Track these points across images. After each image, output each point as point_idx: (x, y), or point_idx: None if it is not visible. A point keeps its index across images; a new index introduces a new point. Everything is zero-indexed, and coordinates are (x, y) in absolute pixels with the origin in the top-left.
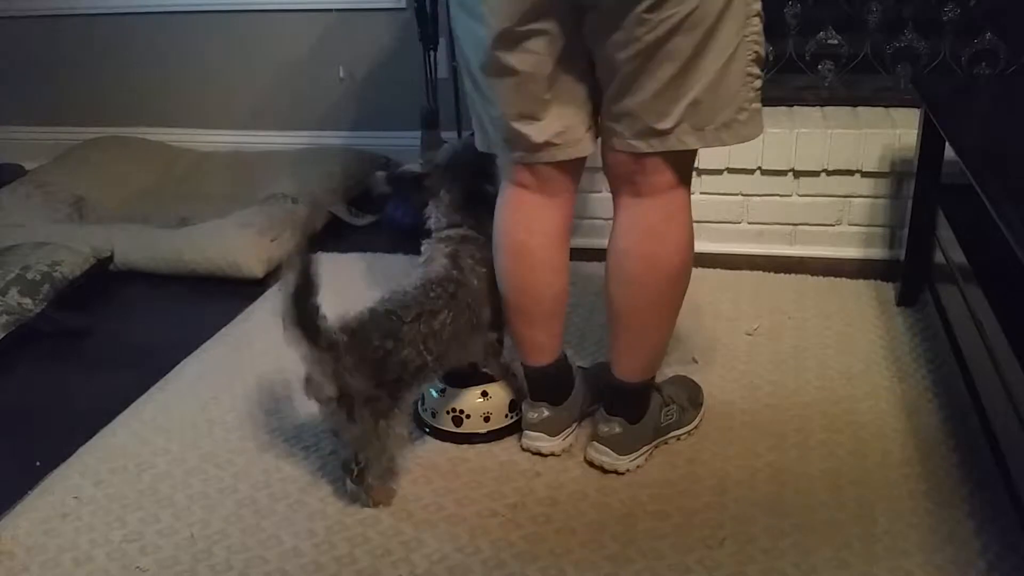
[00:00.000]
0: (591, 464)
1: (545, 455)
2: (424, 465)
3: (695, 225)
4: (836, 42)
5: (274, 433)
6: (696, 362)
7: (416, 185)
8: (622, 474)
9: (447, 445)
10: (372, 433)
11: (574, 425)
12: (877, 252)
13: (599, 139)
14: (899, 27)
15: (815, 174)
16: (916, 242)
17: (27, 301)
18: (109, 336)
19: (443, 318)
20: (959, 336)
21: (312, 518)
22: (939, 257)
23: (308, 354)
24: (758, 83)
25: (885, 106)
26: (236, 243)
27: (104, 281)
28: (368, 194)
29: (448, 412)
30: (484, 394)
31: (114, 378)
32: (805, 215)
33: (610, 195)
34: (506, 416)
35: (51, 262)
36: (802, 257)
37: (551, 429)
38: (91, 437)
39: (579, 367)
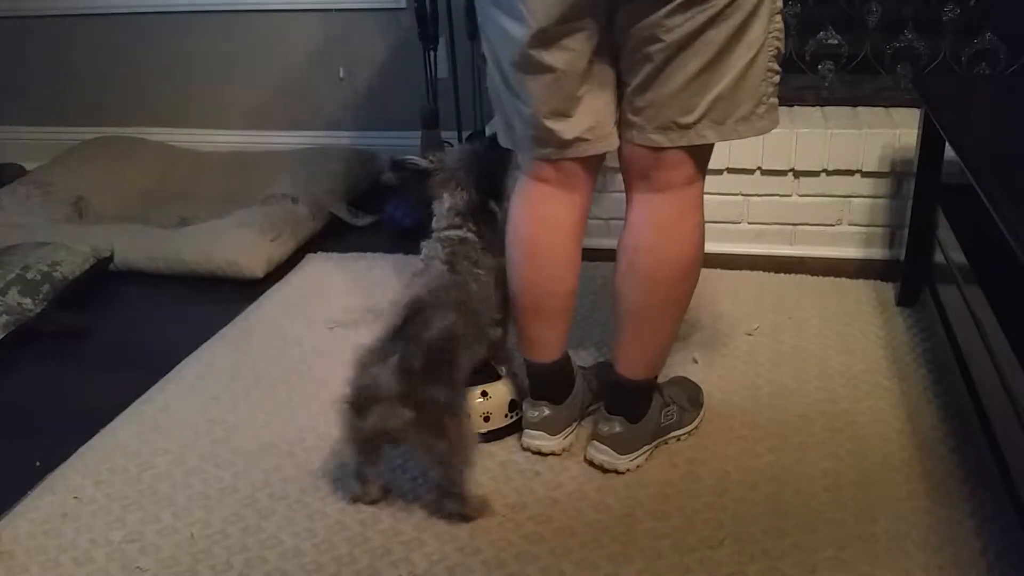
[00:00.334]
0: (591, 463)
1: (545, 454)
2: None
3: None
4: (836, 42)
5: (274, 433)
6: (696, 362)
7: (419, 179)
8: (621, 474)
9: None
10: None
11: (574, 424)
12: (877, 252)
13: None
14: (899, 27)
15: (815, 174)
16: (916, 242)
17: (27, 301)
18: (109, 336)
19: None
20: (959, 336)
21: (312, 518)
22: (939, 257)
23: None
24: (776, 78)
25: (885, 106)
26: (236, 243)
27: (104, 281)
28: (368, 194)
29: None
30: (484, 394)
31: (114, 378)
32: (805, 215)
33: (611, 195)
34: (506, 416)
35: (51, 262)
36: (802, 257)
37: (552, 428)
38: (91, 437)
39: (580, 367)
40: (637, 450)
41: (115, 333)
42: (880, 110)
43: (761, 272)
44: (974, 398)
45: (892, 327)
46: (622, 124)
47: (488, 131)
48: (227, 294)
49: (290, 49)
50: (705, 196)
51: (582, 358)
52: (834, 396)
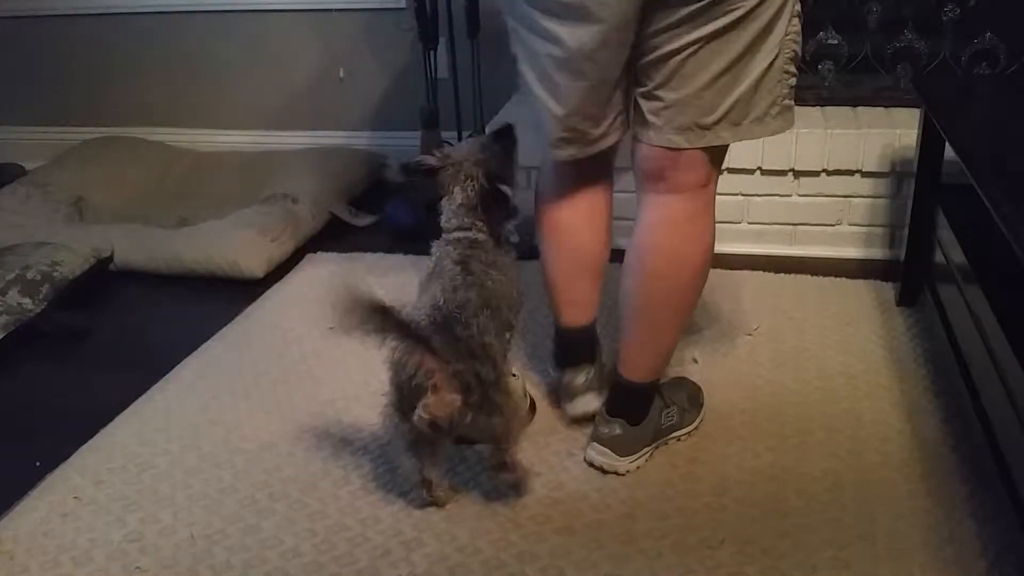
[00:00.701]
0: (591, 465)
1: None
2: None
3: None
4: (836, 42)
5: (274, 433)
6: (696, 362)
7: (428, 178)
8: (622, 475)
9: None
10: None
11: (646, 449)
12: (877, 252)
13: (629, 132)
14: (899, 27)
15: (815, 174)
16: (916, 242)
17: (27, 301)
18: (109, 336)
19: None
20: (959, 336)
21: (312, 518)
22: (939, 257)
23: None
24: (793, 80)
25: (885, 106)
26: (236, 243)
27: (104, 281)
28: (368, 194)
29: None
30: None
31: (114, 378)
32: (805, 215)
33: (617, 195)
34: None
35: (51, 262)
36: (802, 257)
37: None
38: (91, 437)
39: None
40: (637, 452)
41: (115, 333)
42: (880, 110)
43: (761, 272)
44: (974, 398)
45: (892, 327)
46: (639, 124)
47: (488, 128)
48: (227, 294)
49: (290, 49)
50: None
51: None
52: (834, 396)
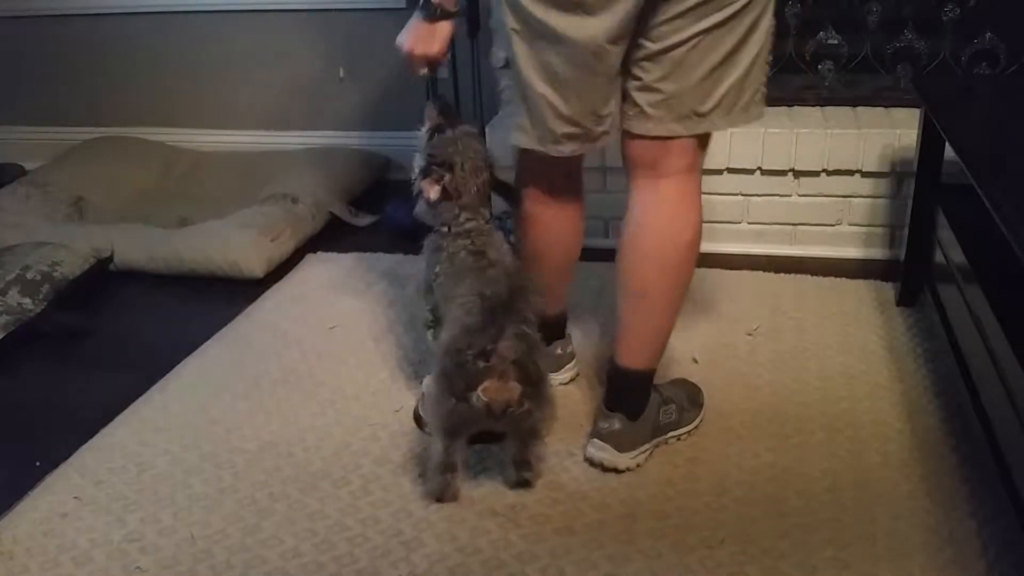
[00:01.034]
0: (590, 462)
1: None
2: (424, 465)
3: None
4: (836, 42)
5: (274, 433)
6: (696, 362)
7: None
8: (621, 472)
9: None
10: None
11: (647, 445)
12: (877, 252)
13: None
14: (899, 27)
15: (815, 174)
16: (916, 242)
17: (27, 301)
18: (109, 336)
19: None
20: (959, 336)
21: (312, 518)
22: (939, 257)
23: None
24: (767, 71)
25: (885, 106)
26: (236, 243)
27: (104, 281)
28: (368, 194)
29: None
30: None
31: (114, 378)
32: (805, 215)
33: (611, 195)
34: None
35: (51, 262)
36: (802, 257)
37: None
38: (91, 437)
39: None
40: (637, 448)
41: (115, 333)
42: (880, 110)
43: (761, 272)
44: (974, 398)
45: (892, 327)
46: (634, 118)
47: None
48: (227, 294)
49: (290, 49)
50: (705, 196)
51: (584, 355)
52: (834, 396)
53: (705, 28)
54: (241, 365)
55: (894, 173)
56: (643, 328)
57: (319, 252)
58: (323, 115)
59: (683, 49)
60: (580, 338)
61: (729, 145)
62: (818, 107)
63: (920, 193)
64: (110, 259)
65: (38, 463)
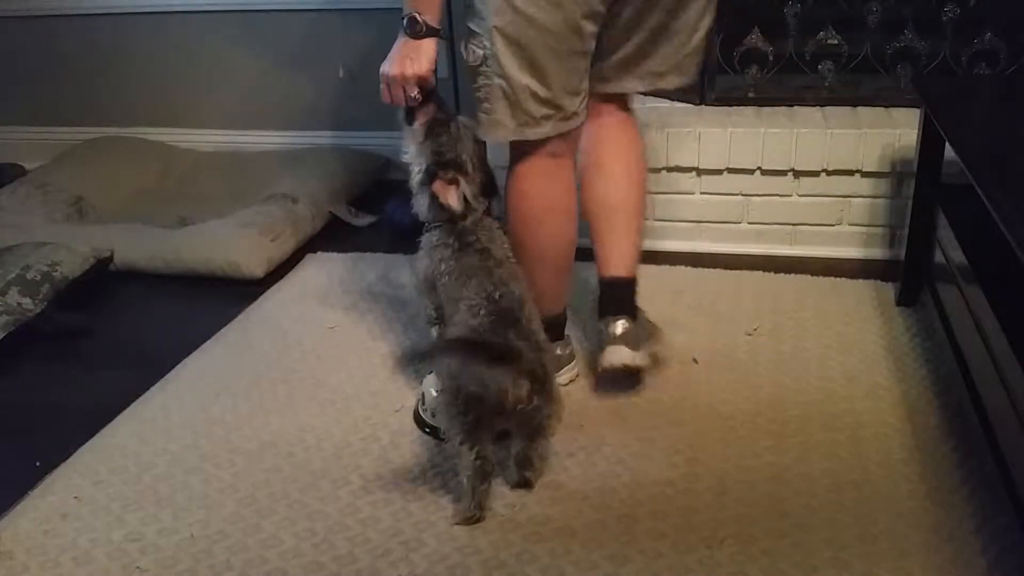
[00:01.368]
0: (608, 369)
1: (632, 368)
2: (424, 465)
3: (695, 224)
4: (836, 42)
5: (274, 433)
6: (696, 362)
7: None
8: (638, 371)
9: (446, 445)
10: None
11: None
12: (877, 252)
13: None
14: (899, 27)
15: (815, 174)
16: (916, 242)
17: (27, 301)
18: (109, 336)
19: None
20: (959, 336)
21: (312, 518)
22: (939, 257)
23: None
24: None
25: (885, 106)
26: (236, 243)
27: (104, 281)
28: (368, 194)
29: None
30: None
31: (114, 378)
32: (805, 215)
33: None
34: None
35: (51, 262)
36: (802, 257)
37: (633, 343)
38: (91, 437)
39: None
40: (642, 346)
41: (115, 333)
42: (880, 110)
43: (761, 272)
44: (974, 398)
45: (892, 327)
46: (600, 80)
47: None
48: (227, 294)
49: (290, 49)
50: (705, 196)
51: (584, 356)
52: (834, 396)
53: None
54: (241, 365)
55: (894, 173)
56: (629, 237)
57: (319, 252)
58: (323, 115)
59: (652, 22)
60: (580, 338)
61: (729, 145)
62: (818, 107)
63: (920, 193)
64: (110, 259)
65: (38, 463)
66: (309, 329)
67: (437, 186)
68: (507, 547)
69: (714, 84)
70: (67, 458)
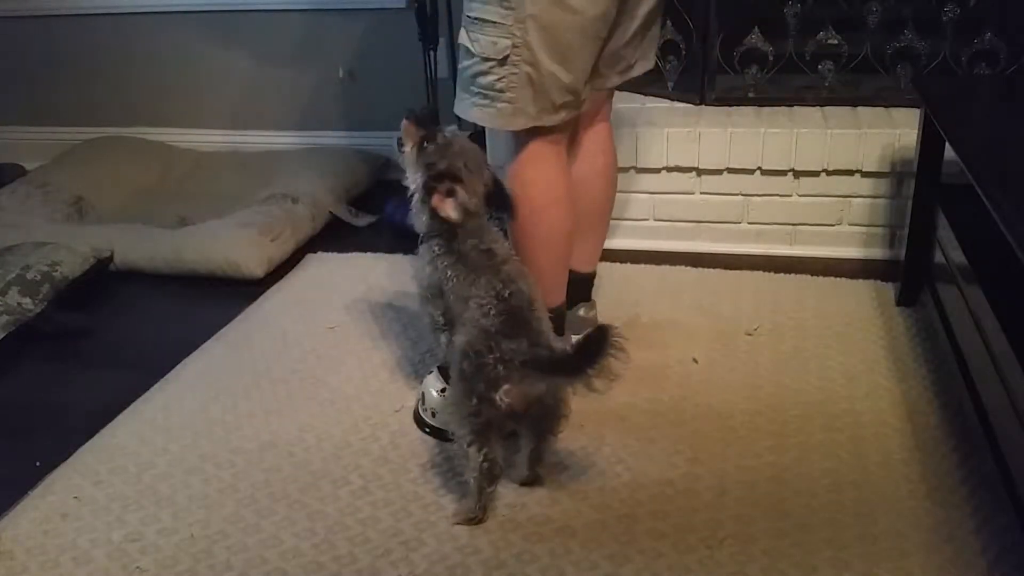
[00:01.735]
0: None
1: None
2: (424, 465)
3: (695, 224)
4: (836, 42)
5: (274, 433)
6: (696, 362)
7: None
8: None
9: (446, 445)
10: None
11: None
12: (877, 252)
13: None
14: (899, 27)
15: (815, 174)
16: (916, 242)
17: (27, 301)
18: (109, 336)
19: None
20: (959, 336)
21: (312, 518)
22: (939, 257)
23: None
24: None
25: (885, 106)
26: (236, 243)
27: (104, 281)
28: (368, 194)
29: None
30: None
31: (114, 378)
32: (805, 215)
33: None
34: None
35: (51, 262)
36: (802, 257)
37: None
38: (91, 437)
39: None
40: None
41: (115, 333)
42: (880, 110)
43: (761, 272)
44: (974, 398)
45: (892, 327)
46: (594, 76)
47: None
48: (227, 294)
49: (290, 49)
50: (705, 196)
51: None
52: (834, 396)
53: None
54: (241, 365)
55: (894, 173)
56: (603, 236)
57: (319, 252)
58: (323, 115)
59: (641, 15)
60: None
61: (729, 145)
62: (818, 107)
63: (920, 193)
64: (110, 259)
65: (38, 463)
66: (309, 329)
67: (435, 200)
68: (507, 547)
69: (714, 84)
70: (67, 458)
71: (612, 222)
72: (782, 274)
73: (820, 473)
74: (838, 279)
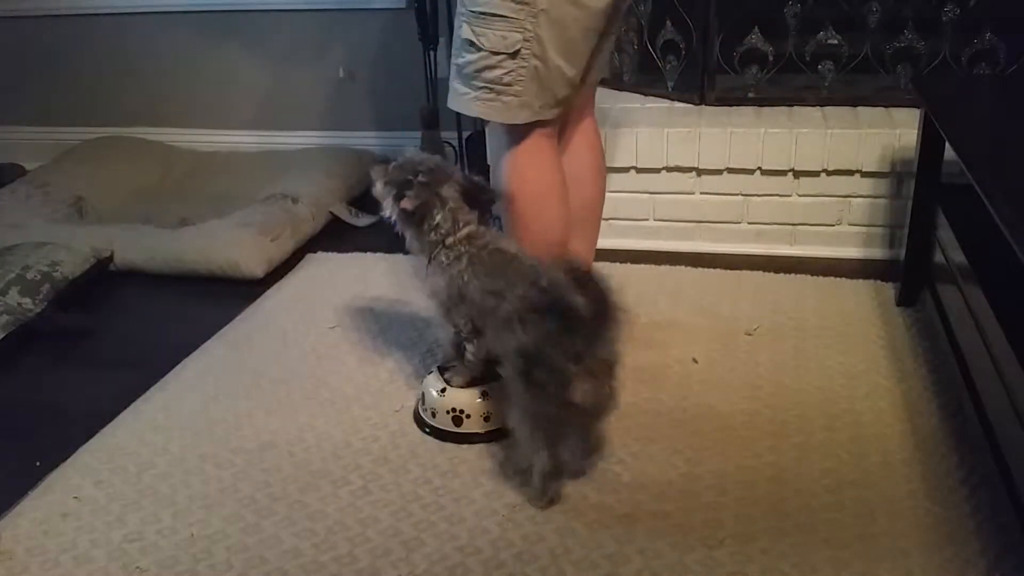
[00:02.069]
0: None
1: None
2: (424, 465)
3: (695, 224)
4: (836, 42)
5: (274, 433)
6: (696, 362)
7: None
8: None
9: (447, 445)
10: None
11: None
12: (877, 252)
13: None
14: (899, 27)
15: (815, 174)
16: (916, 242)
17: (27, 301)
18: (109, 336)
19: None
20: (959, 336)
21: (312, 518)
22: (939, 257)
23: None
24: None
25: (885, 106)
26: (236, 243)
27: (104, 281)
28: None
29: (448, 412)
30: (484, 394)
31: (114, 378)
32: (805, 215)
33: (612, 195)
34: None
35: (51, 262)
36: (802, 257)
37: None
38: (91, 437)
39: None
40: None
41: (115, 333)
42: (880, 110)
43: (761, 272)
44: (974, 398)
45: (892, 327)
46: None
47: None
48: (227, 294)
49: (290, 49)
50: (705, 196)
51: None
52: (834, 396)
53: None
54: (241, 365)
55: (894, 173)
56: (596, 236)
57: (319, 252)
58: (323, 115)
59: (623, 9)
60: None
61: (729, 145)
62: (818, 107)
63: (920, 193)
64: (110, 259)
65: (38, 463)
66: (309, 329)
67: (394, 208)
68: (507, 547)
69: (714, 84)
70: (67, 458)
71: (612, 222)
72: (782, 274)
73: (820, 473)
74: (838, 279)
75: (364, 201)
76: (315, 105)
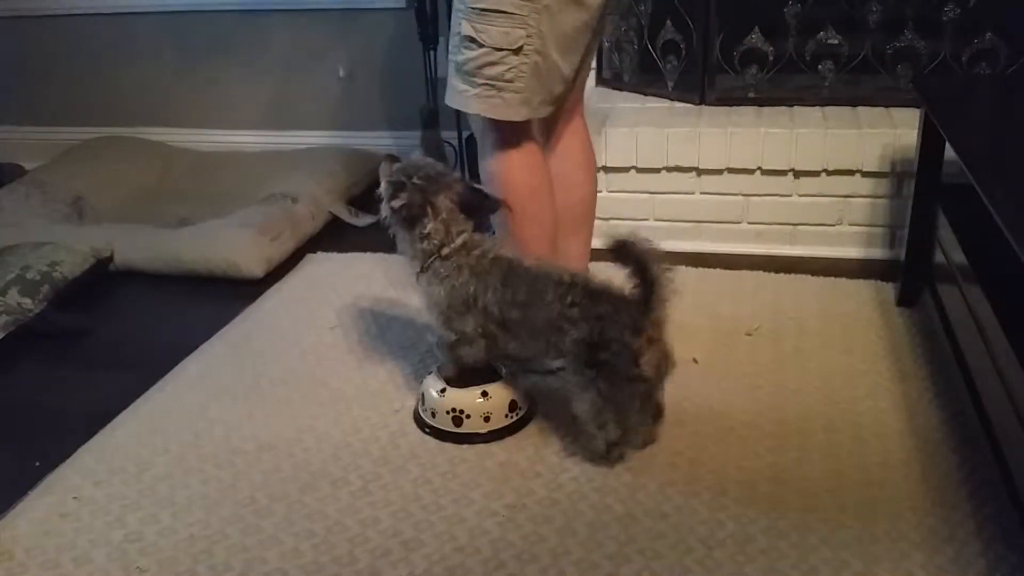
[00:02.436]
0: None
1: None
2: (424, 465)
3: (695, 224)
4: (836, 42)
5: (274, 433)
6: (696, 362)
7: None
8: None
9: (447, 445)
10: None
11: None
12: (877, 252)
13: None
14: (899, 27)
15: (815, 174)
16: (916, 242)
17: (27, 301)
18: (109, 336)
19: None
20: (959, 336)
21: (312, 518)
22: (939, 257)
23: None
24: None
25: (885, 106)
26: (236, 243)
27: (104, 281)
28: (368, 194)
29: (448, 412)
30: (484, 394)
31: (114, 378)
32: (805, 215)
33: (610, 195)
34: (506, 416)
35: (51, 262)
36: (802, 257)
37: None
38: (91, 437)
39: None
40: None
41: (115, 333)
42: (880, 110)
43: (761, 272)
44: (974, 398)
45: (892, 327)
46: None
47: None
48: (227, 294)
49: (290, 49)
50: (705, 196)
51: None
52: (834, 396)
53: None
54: (241, 365)
55: (894, 173)
56: (590, 234)
57: (319, 252)
58: (323, 115)
59: (612, 8)
60: None
61: (729, 145)
62: (818, 107)
63: (920, 193)
64: (110, 259)
65: (38, 463)
66: (309, 329)
67: (387, 209)
68: (507, 547)
69: (714, 84)
70: (67, 458)
71: (613, 222)
72: (782, 274)
73: (820, 473)
74: (838, 279)
75: (364, 201)
76: (315, 105)
